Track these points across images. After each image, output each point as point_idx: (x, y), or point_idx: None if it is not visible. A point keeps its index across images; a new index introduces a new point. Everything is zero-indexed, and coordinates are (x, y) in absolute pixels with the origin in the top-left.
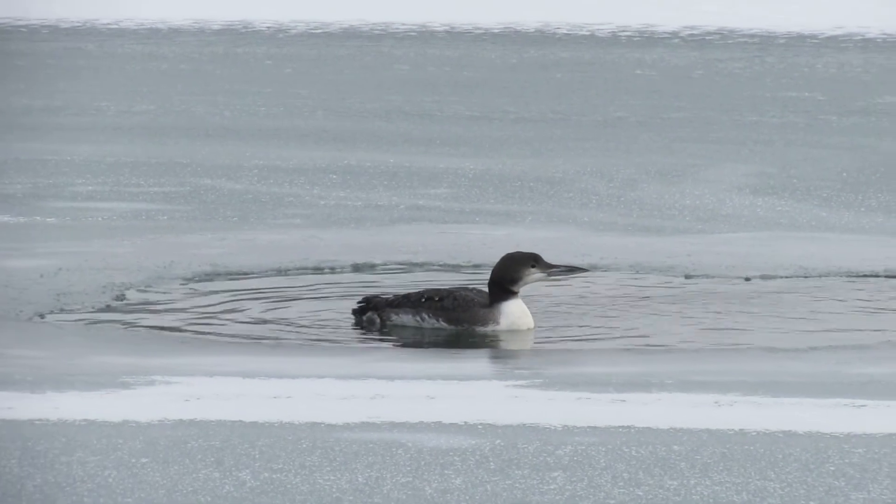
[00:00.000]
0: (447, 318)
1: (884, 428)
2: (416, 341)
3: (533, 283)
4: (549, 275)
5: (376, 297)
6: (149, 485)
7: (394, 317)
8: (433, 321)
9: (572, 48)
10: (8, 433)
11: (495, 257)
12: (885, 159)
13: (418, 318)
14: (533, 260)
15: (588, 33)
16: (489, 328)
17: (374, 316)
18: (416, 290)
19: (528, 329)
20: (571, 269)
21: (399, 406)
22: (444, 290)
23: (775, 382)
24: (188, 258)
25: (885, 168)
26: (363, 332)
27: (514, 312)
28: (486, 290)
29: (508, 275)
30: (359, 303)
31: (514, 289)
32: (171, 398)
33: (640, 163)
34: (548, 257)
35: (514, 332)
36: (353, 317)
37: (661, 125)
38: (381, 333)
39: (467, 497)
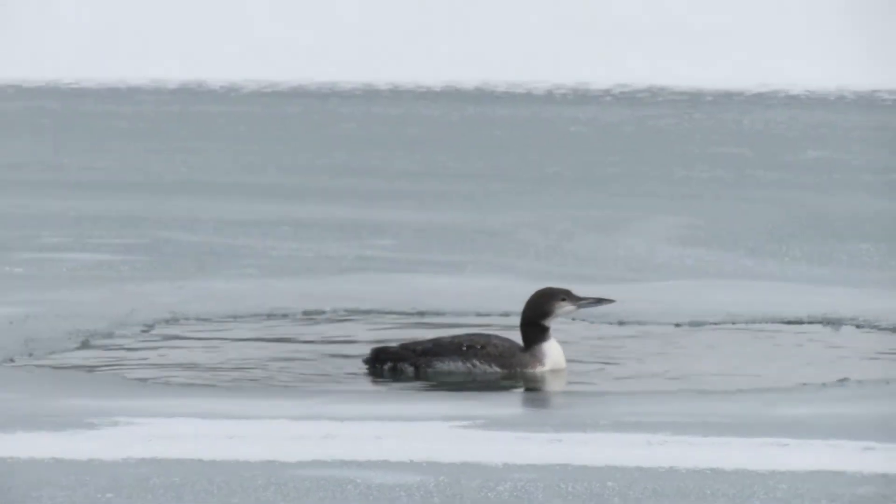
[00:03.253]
0: (499, 364)
1: (806, 465)
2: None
3: (563, 316)
4: (579, 307)
5: (388, 347)
6: None
7: (438, 365)
8: (485, 367)
9: (510, 106)
10: None
11: (439, 304)
12: (808, 212)
13: (469, 365)
14: (564, 294)
15: (525, 91)
16: (536, 370)
17: (406, 366)
18: (446, 339)
19: (563, 368)
20: (599, 301)
21: (348, 445)
22: (480, 336)
23: (704, 423)
24: (148, 306)
25: (808, 220)
26: (382, 379)
27: (555, 353)
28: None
29: (541, 308)
30: (373, 353)
31: (546, 323)
32: (133, 438)
33: (575, 216)
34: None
35: (556, 371)
36: (365, 366)
37: (595, 180)
38: (415, 380)
39: None
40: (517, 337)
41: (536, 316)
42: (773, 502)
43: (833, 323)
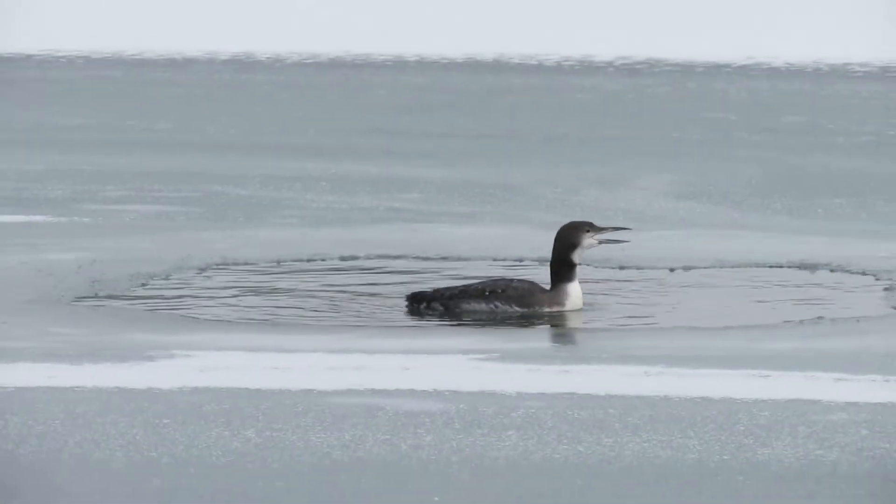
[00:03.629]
0: (519, 304)
1: (785, 395)
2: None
3: (588, 248)
4: (603, 237)
5: (424, 292)
6: (170, 441)
7: (465, 306)
8: (506, 307)
9: (523, 75)
10: (52, 398)
11: (459, 251)
12: (787, 170)
13: (492, 306)
14: (588, 225)
15: (536, 63)
16: (554, 309)
17: (438, 305)
18: (474, 284)
19: (580, 308)
20: (617, 229)
21: (380, 375)
22: (502, 280)
23: (696, 356)
24: (201, 252)
25: (788, 177)
26: (419, 317)
27: (575, 294)
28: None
29: (570, 240)
30: (411, 295)
31: (575, 258)
32: (187, 369)
33: (581, 172)
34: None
35: (574, 310)
36: (406, 304)
37: (598, 140)
38: (444, 319)
39: (436, 451)
40: (545, 276)
41: (566, 248)
42: (756, 427)
43: (809, 267)
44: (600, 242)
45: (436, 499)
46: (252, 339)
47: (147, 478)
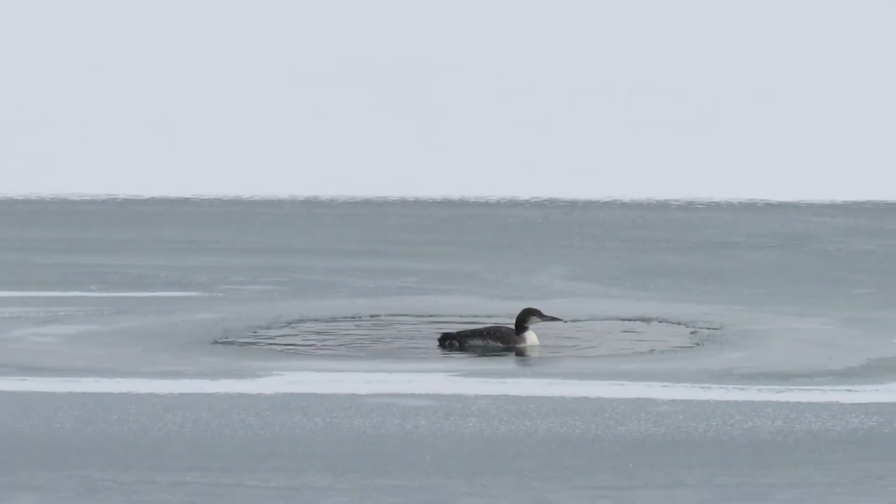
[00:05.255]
0: (501, 342)
1: (633, 395)
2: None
3: (536, 326)
4: (543, 320)
5: (450, 333)
6: (270, 423)
7: (470, 342)
8: (495, 343)
9: (479, 209)
10: (202, 400)
11: (443, 311)
12: (633, 264)
13: (486, 343)
14: (535, 312)
15: (496, 200)
16: (521, 346)
17: (455, 342)
18: (475, 329)
19: (535, 347)
20: (553, 318)
21: (400, 384)
22: (492, 327)
23: (583, 372)
24: (288, 313)
25: (633, 268)
26: (444, 348)
27: (531, 338)
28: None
29: (523, 321)
30: (442, 335)
31: (526, 325)
32: (281, 381)
33: (511, 267)
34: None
35: (533, 347)
36: (438, 340)
37: (521, 248)
38: (456, 351)
39: (427, 430)
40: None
41: (522, 321)
42: (617, 414)
43: (647, 320)
44: (543, 321)
45: (427, 457)
46: (321, 364)
47: (261, 440)
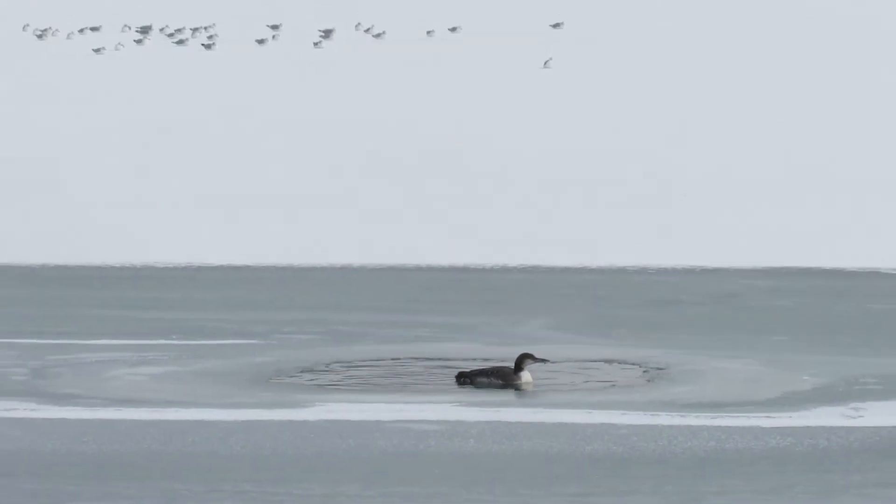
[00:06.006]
0: (502, 380)
1: (596, 420)
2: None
3: (530, 366)
4: (535, 362)
5: (464, 371)
6: (312, 440)
7: (478, 379)
8: (496, 381)
9: (464, 273)
10: (259, 425)
11: (453, 355)
12: (599, 317)
13: (489, 380)
14: (529, 356)
15: (480, 267)
16: (517, 383)
17: (467, 380)
18: (482, 369)
19: (530, 383)
20: (543, 360)
21: (416, 412)
22: (496, 367)
23: (556, 403)
24: (328, 357)
25: (598, 321)
26: (458, 384)
27: (526, 377)
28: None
29: (520, 363)
30: (458, 374)
31: (522, 367)
32: (324, 410)
33: (501, 319)
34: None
35: (528, 384)
36: (454, 380)
37: (512, 305)
38: (468, 386)
39: (437, 447)
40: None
41: (520, 363)
42: (587, 437)
43: (611, 362)
44: (535, 362)
45: (436, 470)
46: (352, 397)
47: (305, 457)
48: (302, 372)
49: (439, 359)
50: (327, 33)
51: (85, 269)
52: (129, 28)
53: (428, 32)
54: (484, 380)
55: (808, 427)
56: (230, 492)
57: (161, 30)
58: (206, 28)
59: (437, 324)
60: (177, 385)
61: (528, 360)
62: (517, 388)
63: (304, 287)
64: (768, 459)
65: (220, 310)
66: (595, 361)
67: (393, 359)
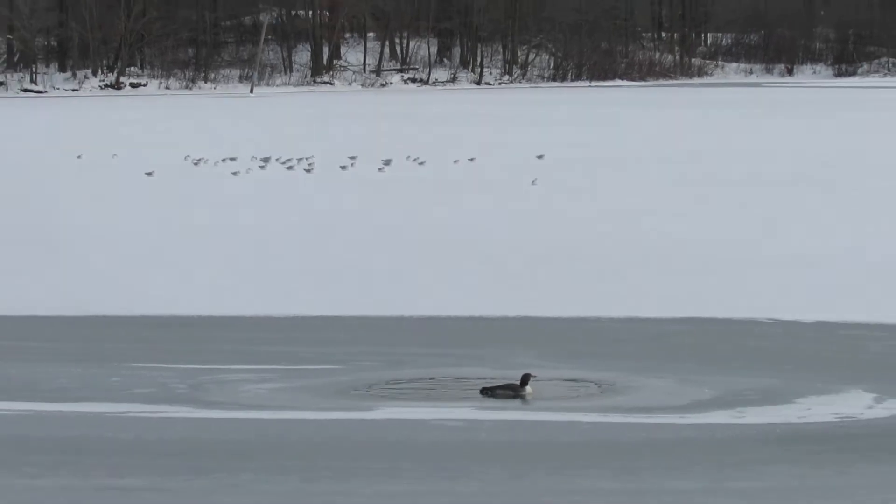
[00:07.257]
0: (513, 392)
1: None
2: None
3: (531, 382)
4: (532, 379)
5: (487, 386)
6: (370, 430)
7: (496, 391)
8: (508, 392)
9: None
10: (330, 427)
11: (465, 376)
12: (573, 354)
13: (504, 392)
14: (529, 375)
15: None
16: (523, 394)
17: (489, 392)
18: (500, 384)
19: (531, 394)
20: (535, 377)
21: (442, 413)
22: (508, 384)
23: (551, 408)
24: (374, 380)
25: (571, 357)
26: (481, 396)
27: (529, 390)
28: (508, 383)
29: (524, 380)
30: (482, 388)
31: (527, 382)
32: (379, 413)
33: (492, 360)
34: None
35: (530, 395)
36: (479, 392)
37: (509, 352)
38: (489, 398)
39: (454, 440)
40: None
41: (523, 383)
42: (558, 431)
43: (579, 380)
44: (532, 379)
45: (459, 457)
46: (395, 403)
47: (362, 452)
48: (369, 386)
49: (461, 378)
50: (387, 162)
51: (223, 318)
52: (256, 158)
53: (454, 161)
54: (499, 392)
55: (708, 424)
56: (297, 479)
57: (276, 159)
58: (307, 158)
59: (458, 355)
60: (287, 395)
61: (530, 378)
62: (523, 398)
63: (371, 334)
64: (681, 447)
65: (315, 345)
66: (568, 380)
67: (430, 378)
